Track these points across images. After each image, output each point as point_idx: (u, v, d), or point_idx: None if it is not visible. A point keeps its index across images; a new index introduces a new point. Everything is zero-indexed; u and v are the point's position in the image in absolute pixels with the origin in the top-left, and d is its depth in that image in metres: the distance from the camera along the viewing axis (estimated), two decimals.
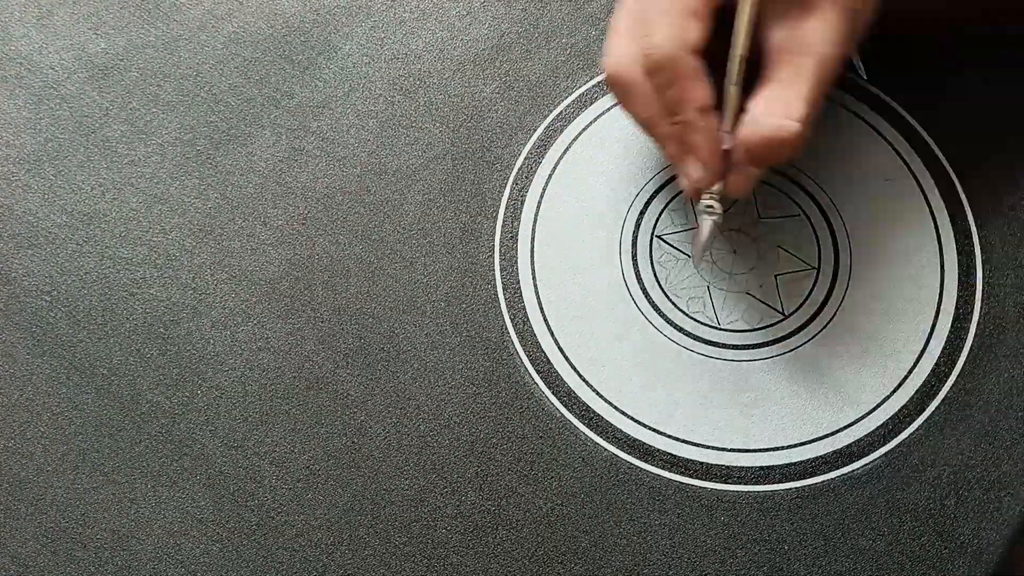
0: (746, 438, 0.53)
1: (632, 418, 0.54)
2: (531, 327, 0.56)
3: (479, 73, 0.62)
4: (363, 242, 0.58)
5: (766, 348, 0.55)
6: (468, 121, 0.60)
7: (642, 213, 0.58)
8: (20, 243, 0.58)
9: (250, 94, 0.61)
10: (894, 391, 0.54)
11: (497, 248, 0.58)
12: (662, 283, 0.56)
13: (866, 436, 0.53)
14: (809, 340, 0.55)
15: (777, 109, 0.52)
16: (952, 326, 0.55)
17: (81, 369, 0.56)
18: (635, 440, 0.54)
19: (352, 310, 0.56)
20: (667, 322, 0.56)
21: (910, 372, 0.54)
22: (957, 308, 0.55)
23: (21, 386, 0.56)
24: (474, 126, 0.60)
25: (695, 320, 0.56)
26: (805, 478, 0.53)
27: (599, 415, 0.54)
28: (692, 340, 0.55)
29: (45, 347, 0.56)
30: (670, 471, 0.53)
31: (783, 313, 0.56)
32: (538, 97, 0.61)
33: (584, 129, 0.60)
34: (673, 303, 0.56)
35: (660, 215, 0.58)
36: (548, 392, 0.55)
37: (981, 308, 0.55)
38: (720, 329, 0.55)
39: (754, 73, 0.54)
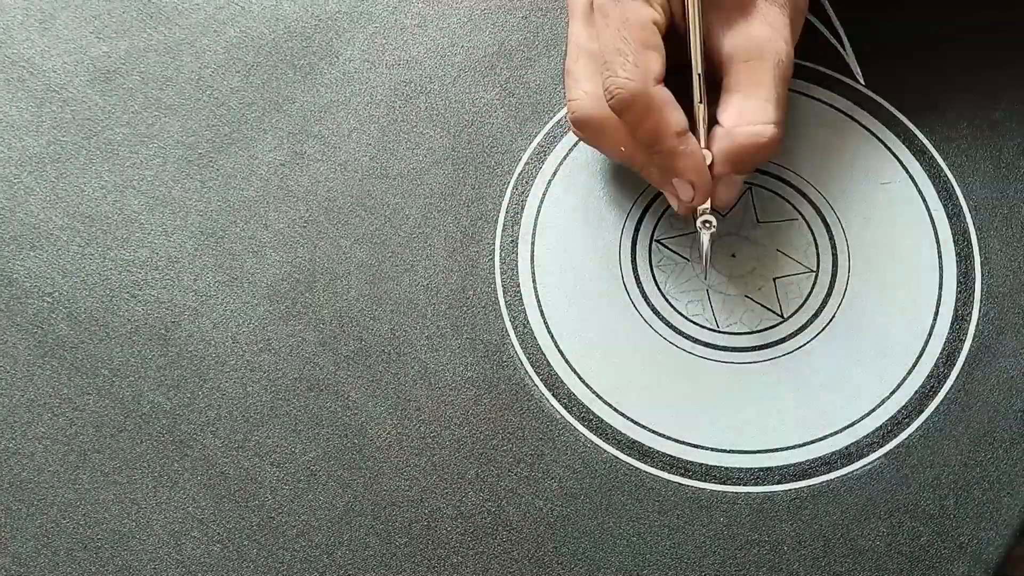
0: (745, 439, 0.54)
1: (631, 420, 0.54)
2: (531, 329, 0.56)
3: (480, 79, 0.62)
4: (364, 245, 0.58)
5: (765, 350, 0.55)
6: (469, 127, 0.61)
7: (641, 217, 0.58)
8: (22, 245, 0.58)
9: (252, 98, 0.62)
10: (893, 392, 0.54)
11: (497, 252, 0.58)
12: (661, 286, 0.57)
13: (865, 437, 0.53)
14: (808, 342, 0.55)
15: (748, 117, 0.53)
16: (951, 327, 0.55)
17: (82, 370, 0.56)
18: (634, 442, 0.54)
19: (353, 312, 0.57)
20: (666, 325, 0.56)
21: (909, 373, 0.54)
22: (956, 309, 0.55)
23: (22, 387, 0.56)
24: (475, 132, 0.61)
25: (694, 323, 0.56)
26: (804, 479, 0.53)
27: (599, 417, 0.54)
28: (691, 343, 0.56)
29: (46, 348, 0.56)
30: (669, 472, 0.53)
31: (782, 316, 0.56)
32: (538, 104, 0.61)
33: None
34: (672, 306, 0.56)
35: (659, 220, 0.58)
36: (548, 394, 0.55)
37: (980, 309, 0.55)
38: (719, 332, 0.56)
39: (710, 85, 0.55)
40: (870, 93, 0.60)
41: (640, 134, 0.53)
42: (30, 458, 0.54)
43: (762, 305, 0.56)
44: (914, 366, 0.54)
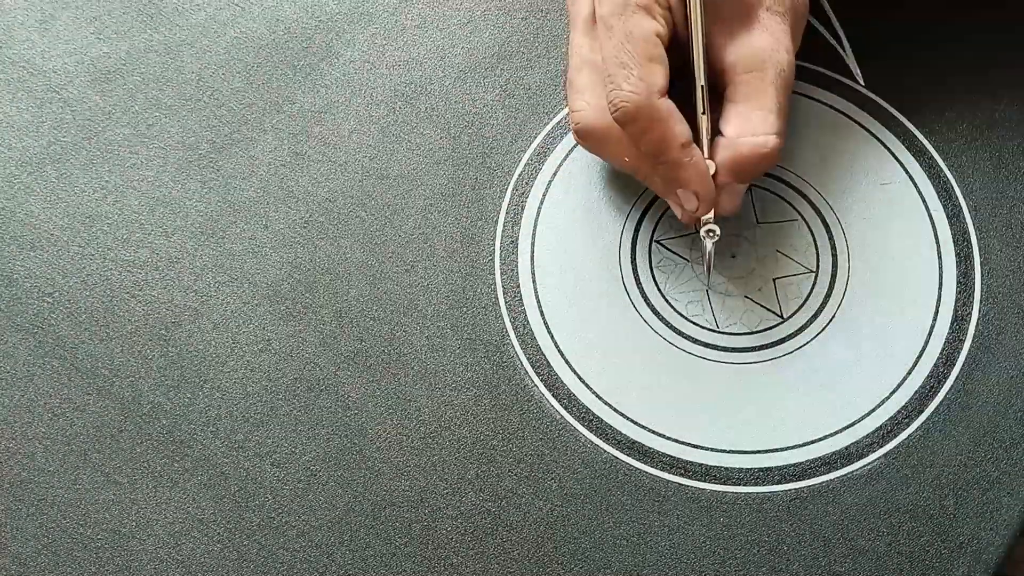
0: (745, 440, 0.54)
1: (631, 420, 0.54)
2: (531, 330, 0.56)
3: (480, 80, 0.62)
4: (364, 246, 0.58)
5: (765, 351, 0.55)
6: (469, 128, 0.61)
7: (641, 218, 0.58)
8: (22, 245, 0.58)
9: (252, 99, 0.62)
10: (893, 392, 0.54)
11: (497, 252, 0.58)
12: (661, 287, 0.57)
13: (865, 437, 0.53)
14: (808, 343, 0.55)
15: (751, 127, 0.54)
16: (951, 327, 0.55)
17: (82, 370, 0.56)
18: (634, 442, 0.54)
19: (353, 313, 0.57)
20: (666, 325, 0.56)
21: (909, 373, 0.54)
22: (956, 309, 0.56)
23: (23, 387, 0.56)
24: (475, 133, 0.61)
25: (694, 324, 0.56)
26: (804, 479, 0.53)
27: (598, 417, 0.54)
28: (691, 343, 0.56)
29: (46, 348, 0.56)
30: (669, 473, 0.53)
31: (782, 316, 0.56)
32: (538, 105, 0.61)
33: None
34: (672, 307, 0.56)
35: (659, 220, 0.58)
36: (548, 394, 0.55)
37: (980, 309, 0.56)
38: (719, 332, 0.56)
39: (713, 96, 0.55)
40: (870, 94, 0.60)
41: (644, 146, 0.53)
42: (30, 458, 0.54)
43: (762, 306, 0.56)
44: (914, 366, 0.54)
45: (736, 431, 0.54)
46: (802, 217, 0.58)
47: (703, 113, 0.55)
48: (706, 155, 0.54)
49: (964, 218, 0.57)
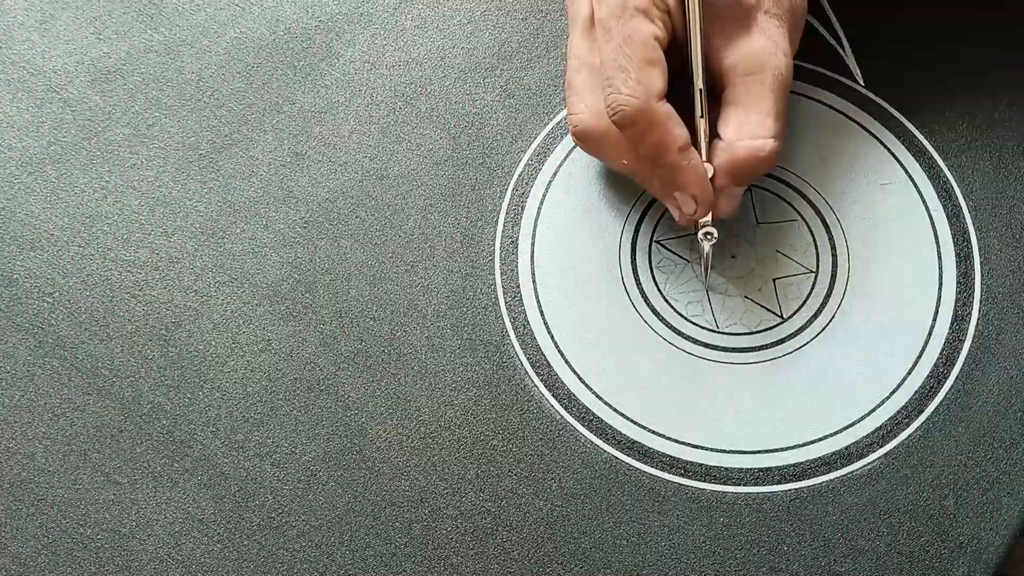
0: (745, 440, 0.54)
1: (631, 420, 0.54)
2: (531, 330, 0.56)
3: (480, 81, 0.62)
4: (364, 246, 0.58)
5: (765, 351, 0.55)
6: (469, 128, 0.61)
7: (641, 219, 0.58)
8: (22, 245, 0.58)
9: (252, 99, 0.62)
10: (893, 392, 0.54)
11: (497, 253, 0.58)
12: (661, 287, 0.57)
13: (865, 437, 0.53)
14: (808, 343, 0.55)
15: (748, 131, 0.54)
16: (951, 327, 0.55)
17: (82, 370, 0.56)
18: (634, 442, 0.54)
19: (353, 313, 0.57)
20: (666, 326, 0.56)
21: (909, 373, 0.54)
22: (956, 309, 0.56)
23: (23, 387, 0.56)
24: (475, 133, 0.61)
25: (694, 324, 0.56)
26: (804, 479, 0.53)
27: (598, 417, 0.54)
28: (691, 343, 0.56)
29: (46, 348, 0.56)
30: (669, 473, 0.53)
31: (782, 316, 0.56)
32: (538, 105, 0.61)
33: None
34: (672, 307, 0.56)
35: (659, 221, 0.58)
36: (548, 394, 0.55)
37: (980, 309, 0.56)
38: (719, 333, 0.56)
39: (711, 98, 0.55)
40: (870, 94, 0.60)
41: (643, 149, 0.54)
42: (30, 458, 0.54)
43: (762, 306, 0.56)
44: (914, 366, 0.55)
45: (736, 431, 0.54)
46: (802, 217, 0.58)
47: (701, 116, 0.55)
48: (704, 158, 0.54)
49: (964, 218, 0.57)
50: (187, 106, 0.62)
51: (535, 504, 0.53)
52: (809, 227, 0.58)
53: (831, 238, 0.57)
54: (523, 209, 0.59)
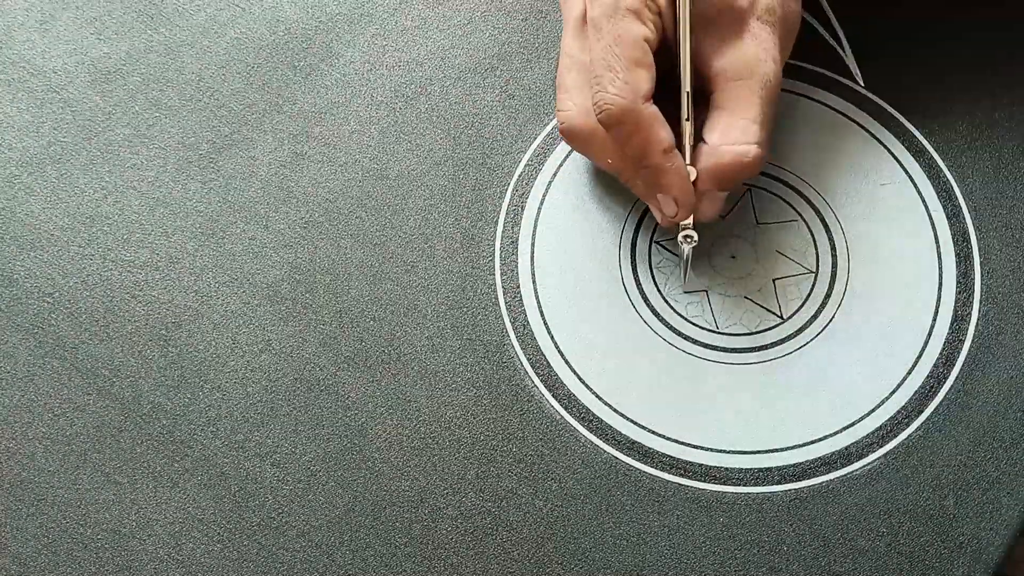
0: (745, 440, 0.54)
1: (631, 420, 0.54)
2: (531, 330, 0.56)
3: (480, 81, 0.62)
4: (364, 246, 0.58)
5: (765, 351, 0.55)
6: (469, 128, 0.61)
7: (641, 219, 0.58)
8: (22, 245, 0.58)
9: (252, 99, 0.62)
10: (893, 392, 0.54)
11: (497, 253, 0.58)
12: (661, 288, 0.57)
13: (865, 437, 0.53)
14: (807, 343, 0.55)
15: (733, 136, 0.54)
16: (951, 327, 0.55)
17: (83, 370, 0.56)
18: (634, 442, 0.54)
19: (353, 313, 0.57)
20: (666, 326, 0.56)
21: (909, 373, 0.54)
22: (956, 309, 0.56)
23: (23, 387, 0.56)
24: (475, 133, 0.61)
25: (694, 324, 0.56)
26: (804, 479, 0.53)
27: (598, 417, 0.54)
28: (691, 344, 0.56)
29: (47, 348, 0.56)
30: (669, 473, 0.53)
31: (781, 317, 0.56)
32: (538, 106, 0.61)
33: None
34: (672, 307, 0.56)
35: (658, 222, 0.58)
36: (548, 395, 0.55)
37: (980, 309, 0.56)
38: (719, 333, 0.56)
39: (698, 101, 0.55)
40: (869, 94, 0.60)
41: (627, 149, 0.54)
42: (30, 458, 0.54)
43: (761, 306, 0.56)
44: (914, 366, 0.55)
45: (736, 431, 0.54)
46: (801, 217, 0.58)
47: (687, 119, 0.55)
48: (688, 161, 0.55)
49: (964, 218, 0.57)
50: (187, 106, 0.62)
51: (535, 504, 0.53)
52: (809, 227, 0.58)
53: (831, 238, 0.57)
54: (523, 209, 0.59)
